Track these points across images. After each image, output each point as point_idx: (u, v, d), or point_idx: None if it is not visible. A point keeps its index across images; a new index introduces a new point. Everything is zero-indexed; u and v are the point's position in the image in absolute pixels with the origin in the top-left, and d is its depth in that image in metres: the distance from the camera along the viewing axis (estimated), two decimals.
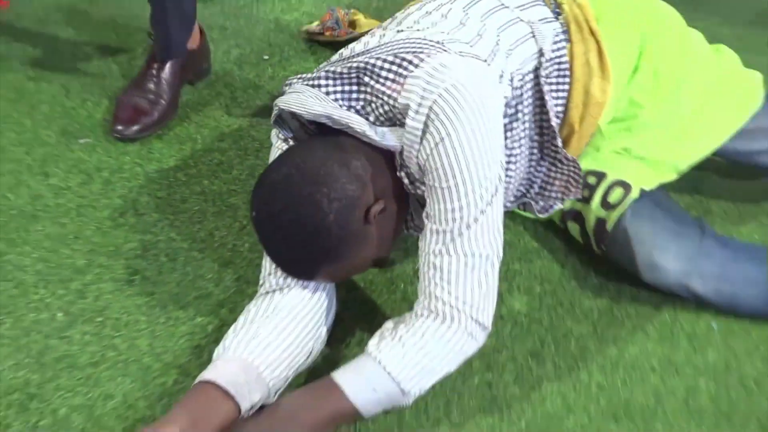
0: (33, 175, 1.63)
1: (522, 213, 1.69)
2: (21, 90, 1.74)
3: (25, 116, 1.73)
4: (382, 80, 1.25)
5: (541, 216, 1.57)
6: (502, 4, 1.43)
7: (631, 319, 1.55)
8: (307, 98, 1.28)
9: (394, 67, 1.25)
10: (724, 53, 1.69)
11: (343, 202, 1.22)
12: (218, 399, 1.21)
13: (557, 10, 1.47)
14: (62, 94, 1.76)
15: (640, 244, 1.50)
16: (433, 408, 1.35)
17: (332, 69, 1.30)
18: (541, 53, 1.41)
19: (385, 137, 1.26)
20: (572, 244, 1.67)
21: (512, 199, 1.55)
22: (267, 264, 1.36)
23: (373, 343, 1.27)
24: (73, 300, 1.43)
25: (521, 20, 1.42)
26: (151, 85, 1.78)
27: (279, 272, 1.35)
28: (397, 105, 1.23)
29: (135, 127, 1.75)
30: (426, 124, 1.21)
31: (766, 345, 1.52)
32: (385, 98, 1.25)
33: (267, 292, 1.35)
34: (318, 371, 1.30)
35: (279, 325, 1.30)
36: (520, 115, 1.40)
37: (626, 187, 1.52)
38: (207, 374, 1.22)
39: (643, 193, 1.52)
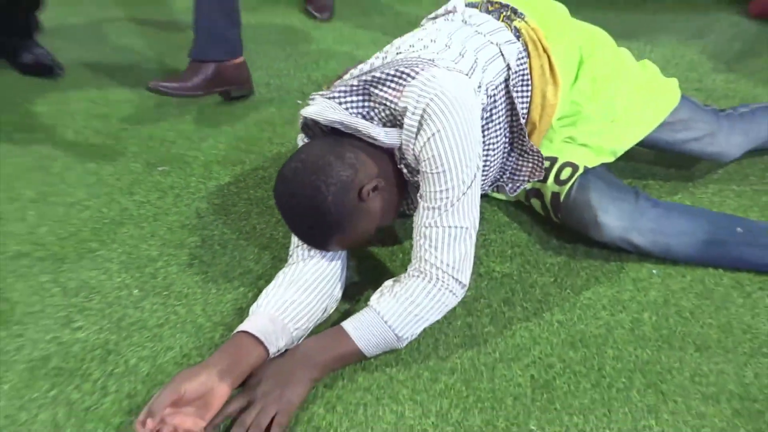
0: (122, 194, 1.62)
1: (496, 195, 1.62)
2: (116, 136, 1.72)
3: (119, 154, 1.72)
4: (385, 89, 1.23)
5: (511, 195, 1.50)
6: (477, 32, 1.39)
7: (585, 270, 1.44)
8: (324, 108, 1.26)
9: (396, 79, 1.22)
10: (648, 65, 1.65)
11: (338, 185, 1.19)
12: (251, 345, 1.16)
13: (517, 33, 1.42)
14: (147, 137, 1.73)
15: (587, 209, 1.40)
16: (423, 346, 1.26)
17: (345, 84, 1.27)
18: (508, 68, 1.37)
19: (387, 136, 1.23)
20: (536, 217, 1.57)
21: (489, 183, 1.48)
22: (294, 240, 1.33)
23: (374, 298, 1.23)
24: (147, 280, 1.39)
25: (491, 43, 1.38)
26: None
27: (303, 246, 1.31)
28: (397, 108, 1.21)
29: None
30: (420, 123, 1.19)
31: (699, 285, 1.40)
32: (388, 104, 1.22)
33: (294, 263, 1.30)
34: (335, 323, 1.23)
35: (301, 288, 1.25)
36: (494, 117, 1.36)
37: (573, 166, 1.44)
38: (243, 326, 1.18)
39: (587, 170, 1.44)
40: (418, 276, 1.23)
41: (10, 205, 1.58)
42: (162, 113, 1.91)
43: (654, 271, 1.43)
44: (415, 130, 1.19)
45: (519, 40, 1.42)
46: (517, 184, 1.49)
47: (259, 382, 1.15)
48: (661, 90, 1.60)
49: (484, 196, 1.62)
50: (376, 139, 1.24)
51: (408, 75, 1.22)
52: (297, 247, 1.32)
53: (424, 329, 1.26)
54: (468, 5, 1.51)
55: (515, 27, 1.44)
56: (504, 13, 1.47)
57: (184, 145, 1.79)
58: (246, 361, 1.15)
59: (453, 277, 1.22)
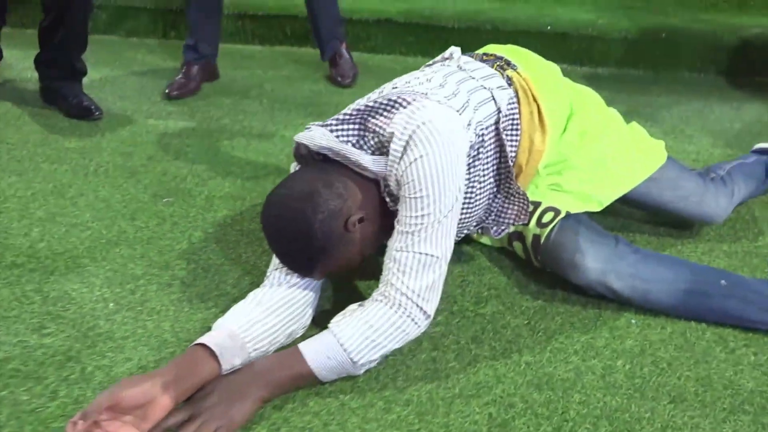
0: (124, 219, 1.56)
1: (481, 240, 1.48)
2: (134, 170, 1.68)
3: (132, 186, 1.67)
4: (378, 117, 1.16)
5: (495, 238, 1.38)
6: (471, 76, 1.32)
7: (561, 315, 1.29)
8: (315, 134, 1.19)
9: (388, 107, 1.16)
10: (636, 127, 1.55)
11: (325, 213, 1.10)
12: (203, 358, 1.05)
13: (509, 81, 1.34)
14: (161, 173, 1.69)
15: (565, 250, 1.26)
16: (383, 375, 1.13)
17: (341, 114, 1.21)
18: (499, 111, 1.28)
19: (375, 164, 1.15)
20: (518, 262, 1.44)
21: (474, 224, 1.37)
22: (273, 262, 1.22)
23: (334, 320, 1.11)
24: (125, 296, 1.30)
25: (484, 87, 1.30)
26: None
27: (281, 271, 1.20)
28: (385, 134, 1.13)
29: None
30: (405, 147, 1.10)
31: (680, 337, 1.24)
32: (378, 130, 1.15)
33: (268, 285, 1.19)
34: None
35: (269, 309, 1.14)
36: (481, 156, 1.26)
37: (556, 210, 1.31)
38: (200, 339, 1.06)
39: (569, 215, 1.30)
40: (381, 300, 1.11)
41: (19, 222, 1.53)
42: (180, 153, 1.87)
43: (633, 321, 1.27)
44: (399, 154, 1.11)
45: (510, 87, 1.34)
46: (502, 227, 1.37)
47: (205, 396, 1.03)
48: (648, 148, 1.49)
49: (468, 239, 1.49)
50: (363, 167, 1.15)
51: (399, 104, 1.16)
52: (275, 269, 1.22)
53: (385, 357, 1.13)
54: (464, 55, 1.44)
55: (507, 75, 1.36)
56: (498, 63, 1.40)
57: (193, 181, 1.74)
58: (196, 374, 1.03)
59: (417, 306, 1.10)
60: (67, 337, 1.18)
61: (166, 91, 2.29)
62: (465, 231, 1.37)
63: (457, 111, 1.20)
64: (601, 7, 2.90)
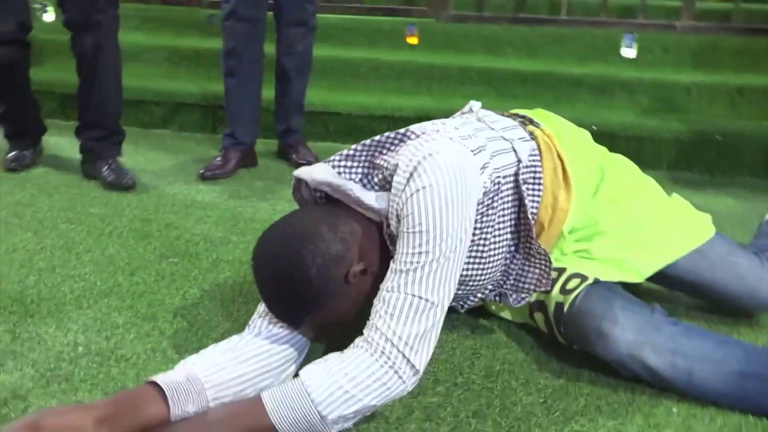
0: (123, 274, 1.49)
1: (499, 314, 1.32)
2: (149, 234, 1.64)
3: (142, 247, 1.62)
4: (384, 151, 1.07)
5: (515, 306, 1.21)
6: (490, 127, 1.23)
7: (586, 397, 1.09)
8: (314, 169, 1.09)
9: (396, 140, 1.07)
10: (678, 198, 1.39)
11: (325, 258, 0.98)
12: (150, 399, 0.91)
13: (531, 135, 1.24)
14: (175, 237, 1.64)
15: (591, 318, 1.09)
16: None
17: (347, 149, 1.10)
18: (519, 161, 1.17)
19: (376, 200, 1.04)
20: (540, 339, 1.26)
21: (490, 287, 1.22)
22: (260, 309, 1.10)
23: (306, 367, 0.96)
24: (99, 342, 1.20)
25: (504, 138, 1.20)
26: None
27: (264, 319, 1.08)
28: (389, 167, 1.03)
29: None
30: (409, 178, 0.99)
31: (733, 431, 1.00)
32: (384, 164, 1.05)
33: (248, 333, 1.06)
34: None
35: (240, 358, 1.01)
36: (496, 206, 1.13)
37: (583, 277, 1.16)
38: (154, 377, 0.93)
39: (598, 281, 1.14)
40: (362, 347, 0.95)
41: (18, 270, 1.48)
42: (199, 222, 1.83)
43: (674, 410, 1.06)
44: (402, 186, 0.99)
45: (532, 140, 1.24)
46: (522, 294, 1.20)
47: None
48: (694, 219, 1.32)
49: (486, 313, 1.33)
50: (365, 205, 1.04)
51: (408, 137, 1.07)
52: (258, 317, 1.09)
53: (362, 418, 0.95)
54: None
55: (529, 131, 1.27)
56: (520, 119, 1.31)
57: (204, 246, 1.67)
58: (138, 415, 0.89)
59: (403, 356, 0.94)
60: (22, 376, 1.08)
61: (201, 171, 2.31)
62: (479, 294, 1.22)
63: (472, 152, 1.10)
64: (649, 111, 2.83)
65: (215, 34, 3.52)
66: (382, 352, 0.93)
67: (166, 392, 0.91)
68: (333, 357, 0.94)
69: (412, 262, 0.97)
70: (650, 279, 1.24)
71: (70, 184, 2.13)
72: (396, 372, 0.93)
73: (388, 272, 0.99)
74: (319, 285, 0.98)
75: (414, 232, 0.98)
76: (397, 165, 1.02)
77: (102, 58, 2.11)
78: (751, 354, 1.06)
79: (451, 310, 1.33)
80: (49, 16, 3.70)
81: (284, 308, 1.01)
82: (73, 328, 1.24)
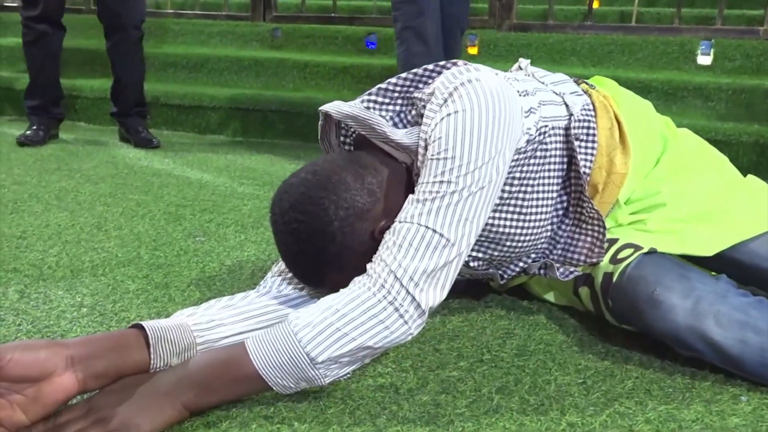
0: (146, 249, 1.44)
1: (540, 292, 1.17)
2: (181, 217, 1.59)
3: (172, 228, 1.56)
4: (422, 86, 0.97)
5: (563, 279, 1.06)
6: (540, 81, 1.11)
7: (634, 380, 0.93)
8: (342, 103, 0.99)
9: (435, 73, 0.97)
10: (754, 177, 1.21)
11: (349, 211, 0.89)
12: (132, 346, 0.84)
13: (586, 93, 1.12)
14: (206, 221, 1.57)
15: (644, 284, 0.95)
16: (361, 410, 0.83)
17: (386, 82, 1.00)
18: (571, 115, 1.05)
19: (405, 135, 0.94)
20: (585, 322, 1.11)
21: (534, 255, 1.09)
22: (275, 269, 1.02)
23: (297, 309, 0.86)
24: (105, 305, 1.14)
25: (555, 92, 1.08)
26: None
27: (279, 278, 1.00)
28: (425, 97, 0.93)
29: None
30: (443, 103, 0.89)
31: None
32: (420, 97, 0.95)
33: (256, 291, 0.99)
34: None
35: (241, 315, 0.93)
36: (539, 156, 1.01)
37: (637, 247, 1.01)
38: (145, 322, 0.85)
39: (653, 251, 0.99)
40: (361, 281, 0.84)
41: (46, 242, 1.45)
42: (233, 210, 1.77)
43: (743, 398, 0.88)
44: (436, 111, 0.89)
45: (586, 95, 1.12)
46: (570, 269, 1.06)
47: (110, 392, 0.79)
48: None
49: (525, 295, 1.19)
50: (392, 140, 0.94)
51: (445, 67, 0.96)
52: (272, 276, 1.01)
53: (358, 366, 0.84)
54: None
55: (583, 89, 1.14)
56: (574, 79, 1.19)
57: (234, 228, 1.61)
58: (115, 358, 0.81)
59: (408, 292, 0.81)
60: (18, 330, 1.02)
61: None
62: (521, 263, 1.08)
63: (518, 92, 0.99)
64: (726, 117, 2.61)
65: (278, 46, 3.59)
66: (383, 286, 0.81)
67: (150, 340, 0.83)
68: (328, 296, 0.84)
69: (431, 192, 0.85)
70: (720, 268, 1.07)
71: (116, 176, 2.13)
72: (397, 310, 0.81)
73: (406, 202, 0.88)
74: (341, 240, 0.88)
75: (439, 159, 0.86)
76: (433, 93, 0.92)
77: None
78: None
79: (487, 283, 1.20)
80: None
81: (304, 265, 0.92)
82: (82, 292, 1.19)
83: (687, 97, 2.71)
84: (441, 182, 0.85)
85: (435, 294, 0.83)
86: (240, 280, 1.28)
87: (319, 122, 1.05)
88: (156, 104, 3.08)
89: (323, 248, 0.89)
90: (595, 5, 3.46)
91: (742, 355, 0.88)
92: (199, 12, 3.86)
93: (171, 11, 3.91)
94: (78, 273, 1.28)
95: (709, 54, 2.97)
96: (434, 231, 0.83)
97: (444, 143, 0.86)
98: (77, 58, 3.40)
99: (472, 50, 3.30)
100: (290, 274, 0.99)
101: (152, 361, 0.83)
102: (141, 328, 0.84)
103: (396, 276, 0.81)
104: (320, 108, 1.01)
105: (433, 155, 0.87)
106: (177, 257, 1.39)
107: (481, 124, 0.86)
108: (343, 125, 1.07)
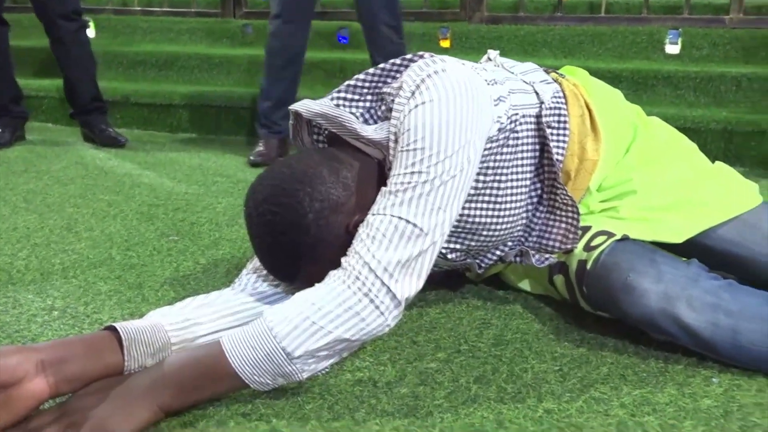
0: (119, 249, 1.42)
1: (515, 281, 1.18)
2: (153, 216, 1.57)
3: (144, 228, 1.54)
4: (390, 81, 0.97)
5: (538, 266, 1.07)
6: (509, 71, 1.12)
7: (609, 366, 0.94)
8: (311, 101, 0.99)
9: (403, 66, 0.97)
10: (722, 164, 1.22)
11: (324, 204, 0.89)
12: (106, 348, 0.83)
13: (556, 81, 1.13)
14: (179, 219, 1.55)
15: (617, 271, 0.95)
16: (340, 405, 0.83)
17: (354, 78, 1.00)
18: (541, 103, 1.06)
19: (375, 131, 0.94)
20: (561, 311, 1.12)
21: (510, 243, 1.09)
22: (249, 266, 1.01)
23: (272, 306, 0.85)
24: (76, 307, 1.12)
25: (525, 82, 1.09)
26: None
27: (254, 275, 0.99)
28: (393, 91, 0.93)
29: None
30: (411, 96, 0.88)
31: None
32: (389, 92, 0.94)
33: (231, 289, 0.98)
34: None
35: (217, 313, 0.92)
36: (512, 145, 1.02)
37: (609, 234, 1.02)
38: (118, 323, 0.84)
39: (625, 237, 1.00)
40: (336, 274, 0.83)
41: (14, 245, 1.43)
42: (208, 208, 1.75)
43: (714, 380, 0.90)
44: (404, 104, 0.89)
45: (556, 83, 1.13)
46: (546, 256, 1.07)
47: (84, 395, 0.78)
48: (738, 185, 1.17)
49: (502, 284, 1.20)
50: (363, 136, 0.94)
51: (412, 60, 0.96)
52: (247, 273, 1.00)
53: (336, 360, 0.83)
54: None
55: (553, 78, 1.15)
56: (543, 69, 1.20)
57: (209, 227, 1.59)
58: (88, 362, 0.80)
59: (383, 283, 0.81)
60: None
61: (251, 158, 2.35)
62: (498, 251, 1.09)
63: (486, 81, 0.99)
64: (695, 105, 2.65)
65: (249, 42, 3.56)
66: (357, 278, 0.81)
67: (124, 342, 0.82)
68: (303, 291, 0.83)
69: (403, 183, 0.85)
70: (692, 253, 1.09)
71: (86, 177, 2.10)
72: (372, 301, 0.80)
73: (379, 195, 0.88)
74: (316, 232, 0.88)
75: (409, 150, 0.86)
76: (400, 86, 0.92)
77: None
78: None
79: (464, 273, 1.21)
80: (91, 31, 3.80)
81: (278, 258, 0.91)
82: (53, 295, 1.17)
83: (656, 85, 2.75)
84: (412, 173, 0.85)
85: (411, 284, 0.83)
86: (215, 278, 1.27)
87: (290, 122, 1.04)
88: (126, 103, 3.03)
89: (297, 241, 0.89)
90: None
91: (714, 337, 0.89)
92: (168, 9, 3.80)
93: (139, 8, 3.85)
94: (48, 276, 1.26)
95: (677, 43, 3.01)
96: (407, 221, 0.83)
97: (413, 134, 0.86)
98: (39, 57, 3.33)
99: (444, 43, 3.31)
100: (265, 271, 0.99)
101: (126, 363, 0.82)
102: (114, 330, 0.83)
103: (370, 268, 0.81)
104: (289, 107, 1.01)
105: (403, 147, 0.87)
106: (150, 257, 1.38)
107: (450, 114, 0.87)
108: (314, 123, 1.06)
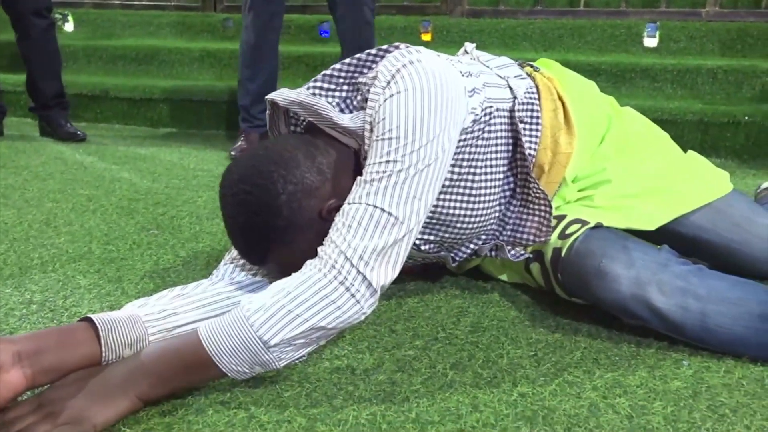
0: (98, 243, 1.42)
1: (493, 272, 1.20)
2: (134, 210, 1.56)
3: (125, 222, 1.54)
4: (366, 71, 0.98)
5: (513, 260, 1.09)
6: (484, 65, 1.13)
7: (583, 350, 0.96)
8: (288, 91, 0.99)
9: (379, 57, 0.98)
10: (694, 153, 1.25)
11: (298, 187, 0.89)
12: (83, 339, 0.83)
13: (530, 76, 1.14)
14: (160, 213, 1.54)
15: (591, 257, 0.97)
16: (318, 392, 0.84)
17: (331, 69, 1.00)
18: (515, 98, 1.07)
19: (351, 120, 0.95)
20: (536, 298, 1.14)
21: (484, 236, 1.11)
22: (227, 257, 1.02)
23: (248, 295, 0.85)
24: (55, 301, 1.12)
25: (499, 76, 1.10)
26: None
27: (231, 266, 1.00)
28: (368, 81, 0.94)
29: None
30: (386, 86, 0.89)
31: (755, 383, 0.87)
32: (363, 82, 0.96)
33: (209, 280, 0.99)
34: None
35: (194, 303, 0.93)
36: (486, 137, 1.03)
37: (584, 222, 1.03)
38: (94, 315, 0.84)
39: (599, 225, 1.02)
40: (312, 263, 0.84)
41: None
42: (189, 202, 1.75)
43: (685, 362, 0.92)
44: (379, 94, 0.90)
45: (530, 79, 1.14)
46: (520, 251, 1.09)
47: (61, 386, 0.78)
48: (710, 174, 1.19)
49: (480, 275, 1.21)
50: (338, 124, 0.95)
51: (388, 51, 0.97)
52: (224, 264, 1.01)
53: (314, 348, 0.84)
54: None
55: (527, 72, 1.16)
56: (518, 62, 1.21)
57: (189, 220, 1.59)
58: (64, 353, 0.80)
59: (358, 271, 0.82)
60: None
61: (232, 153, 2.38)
62: (472, 245, 1.10)
63: (461, 73, 1.00)
64: (672, 97, 2.69)
65: (230, 36, 3.54)
66: (333, 266, 0.82)
67: (100, 333, 0.82)
68: (280, 280, 0.84)
69: (378, 172, 0.86)
70: (664, 240, 1.11)
71: (66, 172, 2.09)
72: (348, 289, 0.81)
73: (354, 184, 0.89)
74: (288, 215, 0.89)
75: (384, 139, 0.87)
76: (375, 76, 0.92)
77: None
78: None
79: (443, 266, 1.22)
80: (70, 25, 3.77)
81: (248, 239, 0.91)
82: (31, 288, 1.16)
83: (635, 78, 2.79)
84: (387, 162, 0.86)
85: (386, 272, 0.84)
86: (195, 270, 1.27)
87: (267, 111, 1.04)
88: (105, 98, 3.02)
89: (269, 222, 0.89)
90: None
91: (683, 321, 0.92)
92: (147, 3, 3.78)
93: (118, 2, 3.82)
94: (27, 270, 1.25)
95: (654, 36, 3.05)
96: (382, 210, 0.84)
97: (388, 123, 0.87)
98: (14, 52, 3.29)
99: (426, 36, 3.32)
100: (242, 261, 0.99)
101: (104, 354, 0.82)
102: (91, 321, 0.83)
103: (346, 256, 0.82)
104: (266, 96, 1.02)
105: (378, 136, 0.88)
106: (130, 251, 1.38)
107: (424, 103, 0.88)
108: (292, 114, 1.07)
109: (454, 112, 0.91)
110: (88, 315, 0.84)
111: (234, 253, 1.02)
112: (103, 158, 2.28)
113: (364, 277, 0.82)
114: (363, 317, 0.83)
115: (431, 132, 0.87)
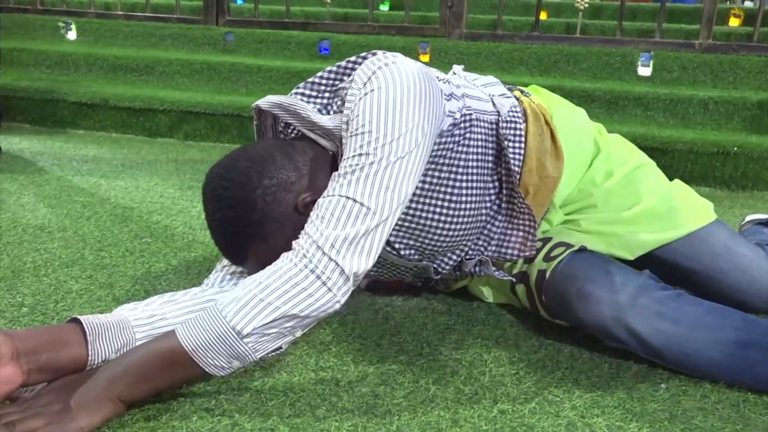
0: (92, 250, 1.43)
1: (480, 294, 1.21)
2: (128, 218, 1.57)
3: (118, 229, 1.55)
4: (346, 78, 1.00)
5: (499, 278, 1.10)
6: (471, 83, 1.15)
7: (564, 371, 0.98)
8: (271, 96, 1.02)
9: (358, 63, 1.00)
10: (679, 182, 1.27)
11: (273, 180, 0.92)
12: (71, 341, 0.84)
13: (517, 99, 1.17)
14: (154, 222, 1.56)
15: (573, 280, 1.00)
16: (302, 402, 0.85)
17: (315, 77, 1.03)
18: (498, 114, 1.09)
19: (330, 121, 0.97)
20: (521, 318, 1.16)
21: (468, 251, 1.12)
22: (218, 265, 1.04)
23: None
24: (47, 305, 1.14)
25: (484, 94, 1.12)
26: None
27: (221, 273, 1.02)
28: (346, 86, 0.96)
29: None
30: (365, 83, 0.92)
31: (730, 408, 0.89)
32: (342, 87, 0.98)
33: (200, 289, 1.00)
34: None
35: (184, 309, 0.95)
36: (467, 143, 1.04)
37: (568, 245, 1.06)
38: (83, 316, 0.86)
39: (583, 248, 1.04)
40: (286, 255, 0.85)
41: None
42: (182, 212, 1.77)
43: (663, 386, 0.94)
44: (355, 95, 0.92)
45: (515, 99, 1.16)
46: (504, 274, 1.11)
47: (52, 390, 0.80)
48: (694, 203, 1.21)
49: (466, 294, 1.23)
50: (317, 125, 0.97)
51: (366, 57, 0.99)
52: (215, 272, 1.03)
53: (290, 339, 0.85)
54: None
55: (515, 96, 1.19)
56: (508, 86, 1.24)
57: (183, 229, 1.61)
58: (57, 354, 0.82)
59: (330, 259, 0.83)
60: None
61: None
62: (454, 256, 1.11)
63: (439, 79, 1.02)
64: (664, 126, 2.73)
65: (231, 50, 3.58)
66: (304, 255, 0.83)
67: (88, 337, 0.84)
68: (254, 275, 0.85)
69: (351, 165, 0.88)
70: (646, 265, 1.14)
71: (62, 179, 2.10)
72: (319, 277, 0.82)
73: (330, 181, 0.91)
74: (263, 207, 0.91)
75: (357, 134, 0.89)
76: (353, 80, 0.95)
77: None
78: (749, 323, 0.94)
79: (428, 280, 1.24)
80: (73, 34, 3.80)
81: (226, 234, 0.93)
82: (23, 292, 1.18)
83: (627, 106, 2.83)
84: (360, 155, 0.88)
85: (360, 261, 0.85)
86: (186, 279, 1.29)
87: (254, 122, 1.07)
88: (105, 106, 3.04)
89: (245, 216, 0.91)
90: (543, 16, 3.58)
91: (661, 345, 0.93)
92: (150, 14, 3.82)
93: (121, 13, 3.86)
94: (19, 273, 1.26)
95: (648, 65, 3.10)
96: (354, 200, 0.86)
97: (362, 119, 0.89)
98: (18, 60, 3.33)
99: (424, 57, 3.36)
100: (233, 269, 1.01)
101: (90, 357, 0.83)
102: (80, 322, 0.85)
103: (318, 245, 0.83)
104: (251, 105, 1.05)
105: (352, 132, 0.90)
106: (122, 258, 1.39)
107: (396, 98, 0.90)
108: (280, 125, 1.09)
109: (428, 108, 0.93)
110: (77, 316, 0.85)
111: (225, 261, 1.04)
112: (99, 166, 2.29)
113: (336, 264, 0.83)
114: (338, 305, 0.84)
115: (403, 126, 0.89)
